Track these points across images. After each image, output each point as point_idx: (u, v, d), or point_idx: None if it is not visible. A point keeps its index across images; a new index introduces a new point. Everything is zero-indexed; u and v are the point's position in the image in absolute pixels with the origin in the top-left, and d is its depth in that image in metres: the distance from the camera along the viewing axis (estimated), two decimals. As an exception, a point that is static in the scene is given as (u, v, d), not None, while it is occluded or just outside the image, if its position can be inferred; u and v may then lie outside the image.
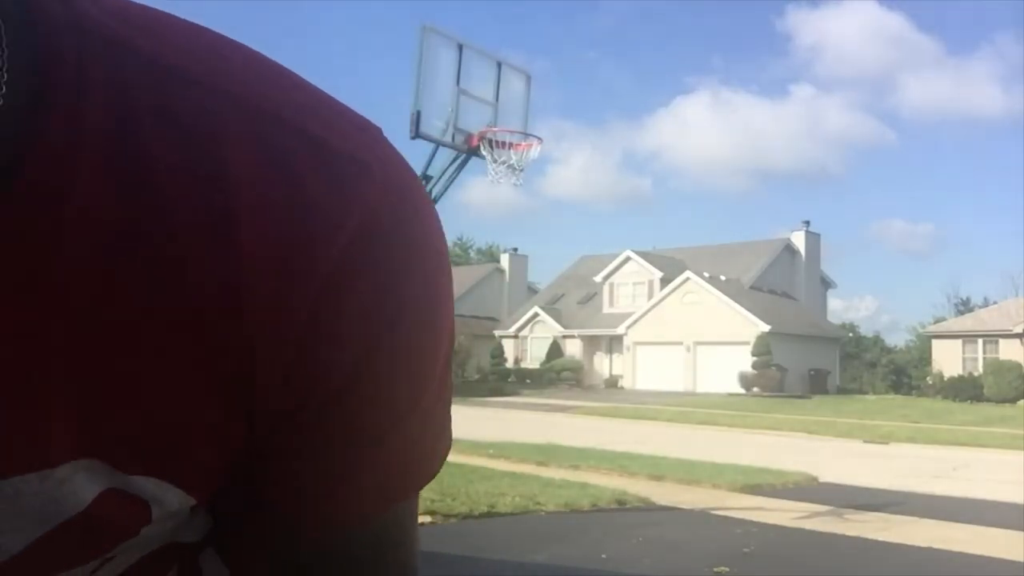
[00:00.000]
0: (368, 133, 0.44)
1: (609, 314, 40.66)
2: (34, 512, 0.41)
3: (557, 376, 38.99)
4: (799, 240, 42.91)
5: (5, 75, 0.36)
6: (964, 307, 47.93)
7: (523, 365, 42.12)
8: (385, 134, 0.46)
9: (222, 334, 0.40)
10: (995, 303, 40.37)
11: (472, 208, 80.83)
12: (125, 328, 0.39)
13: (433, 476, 0.51)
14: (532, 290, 51.30)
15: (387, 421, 0.45)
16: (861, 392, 40.28)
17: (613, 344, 40.26)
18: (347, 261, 0.40)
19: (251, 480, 0.46)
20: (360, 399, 0.43)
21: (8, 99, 0.35)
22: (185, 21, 0.43)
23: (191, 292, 0.39)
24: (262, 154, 0.39)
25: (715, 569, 5.68)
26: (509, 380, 39.57)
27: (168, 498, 0.43)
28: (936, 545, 6.72)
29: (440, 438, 0.50)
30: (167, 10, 0.44)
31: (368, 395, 0.44)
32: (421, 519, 5.16)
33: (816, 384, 36.10)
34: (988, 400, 30.91)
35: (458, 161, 7.05)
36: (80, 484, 0.41)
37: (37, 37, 0.37)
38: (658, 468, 10.79)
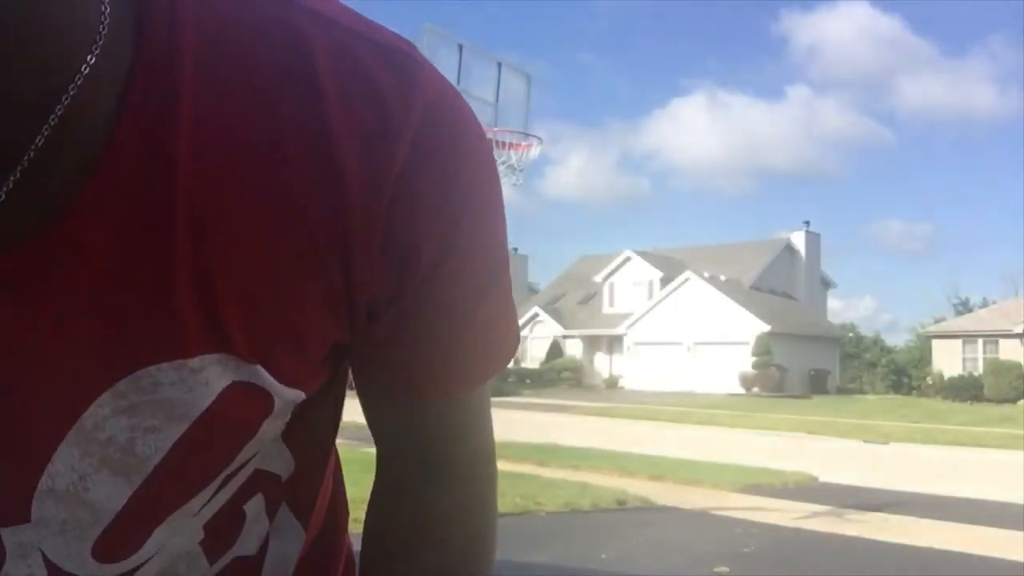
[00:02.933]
0: (409, 43, 0.49)
1: (609, 314, 40.66)
2: (171, 405, 0.45)
3: (557, 376, 38.99)
4: (799, 240, 42.89)
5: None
6: (964, 307, 47.91)
7: (523, 365, 42.11)
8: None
9: (323, 215, 0.44)
10: (995, 303, 40.35)
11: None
12: (239, 231, 0.43)
13: (513, 353, 0.57)
14: (532, 290, 51.30)
15: (473, 294, 0.51)
16: (861, 392, 40.28)
17: (613, 344, 40.25)
18: (420, 139, 0.45)
19: (361, 362, 0.53)
20: (450, 272, 0.48)
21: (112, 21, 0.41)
22: None
23: (295, 185, 0.43)
24: (340, 57, 0.45)
25: (715, 569, 5.68)
26: (509, 380, 39.56)
27: (286, 391, 0.48)
28: (936, 545, 6.72)
29: (514, 317, 0.56)
30: None
31: (456, 268, 0.49)
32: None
33: (816, 384, 36.09)
34: (988, 400, 30.89)
35: (458, 161, 7.06)
36: (212, 375, 0.45)
37: None
38: (658, 468, 10.78)
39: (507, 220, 0.53)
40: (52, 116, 0.39)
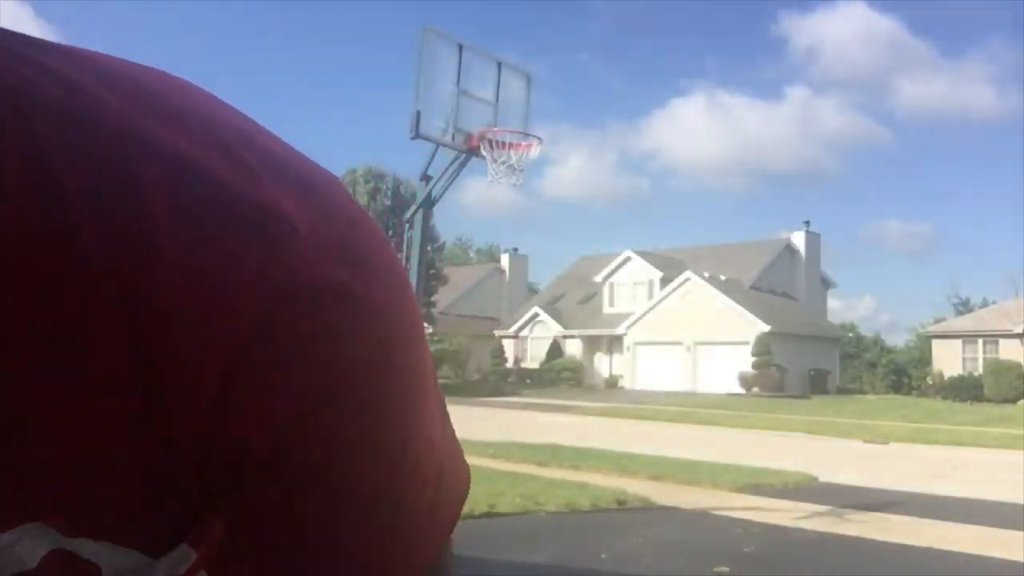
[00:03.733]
0: (314, 189, 0.39)
1: (609, 314, 40.66)
2: None
3: (557, 376, 38.99)
4: (799, 240, 42.89)
5: None
6: (964, 307, 47.91)
7: (523, 365, 42.12)
8: (343, 186, 0.41)
9: (137, 398, 0.36)
10: (995, 303, 40.35)
11: (472, 208, 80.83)
12: (40, 395, 0.36)
13: (463, 494, 0.46)
14: (532, 290, 51.30)
15: (356, 510, 0.40)
16: (861, 392, 40.26)
17: (613, 344, 40.25)
18: (263, 324, 0.36)
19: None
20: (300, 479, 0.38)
21: None
22: (107, 57, 0.40)
23: (104, 355, 0.36)
24: (179, 209, 0.36)
25: (715, 569, 5.68)
26: (509, 380, 39.57)
27: (119, 559, 0.41)
28: (936, 545, 6.72)
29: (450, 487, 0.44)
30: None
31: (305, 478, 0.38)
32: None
33: (816, 384, 36.09)
34: (988, 400, 30.89)
35: (458, 161, 7.04)
36: (26, 548, 0.39)
37: None
38: (658, 468, 10.78)
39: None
40: None
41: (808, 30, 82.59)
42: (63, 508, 0.39)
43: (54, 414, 0.37)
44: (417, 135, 6.72)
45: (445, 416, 0.45)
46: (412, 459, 0.41)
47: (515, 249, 53.14)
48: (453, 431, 0.46)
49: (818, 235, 43.92)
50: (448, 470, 0.44)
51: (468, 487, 0.47)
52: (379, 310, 0.39)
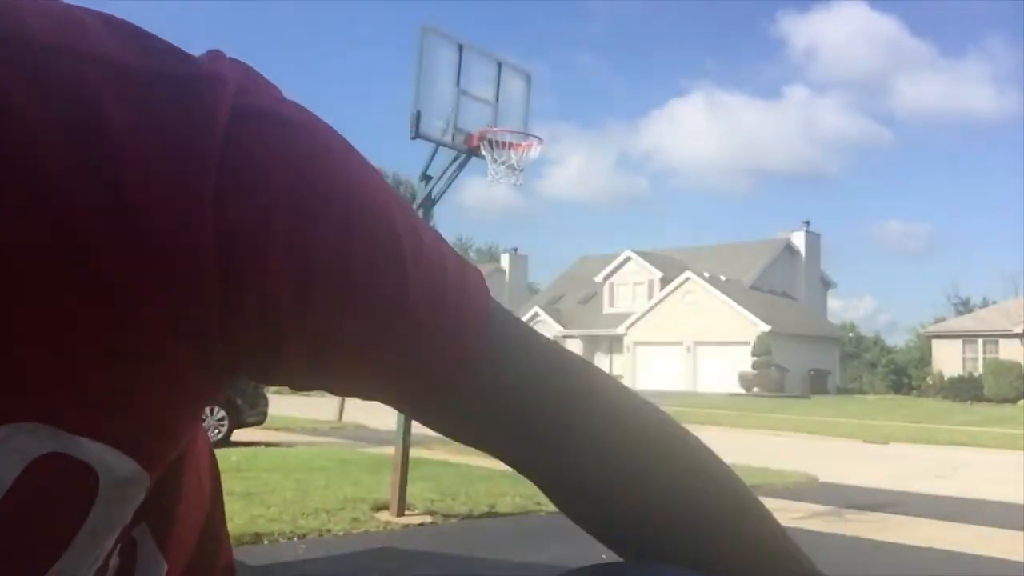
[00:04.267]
0: (220, 61, 0.44)
1: (609, 314, 40.66)
2: None
3: (557, 376, 38.99)
4: (799, 240, 42.91)
5: None
6: (964, 307, 47.91)
7: (523, 365, 42.15)
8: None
9: (116, 259, 0.38)
10: (995, 303, 40.36)
11: (472, 208, 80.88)
12: (41, 295, 0.38)
13: (483, 300, 0.49)
14: (532, 290, 51.32)
15: (385, 285, 0.44)
16: (861, 392, 40.28)
17: (613, 344, 40.25)
18: (229, 154, 0.40)
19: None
20: (340, 271, 0.42)
21: None
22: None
23: (82, 236, 0.38)
24: (132, 105, 0.39)
25: (715, 569, 5.68)
26: (509, 380, 39.57)
27: (118, 466, 0.42)
28: (936, 545, 6.72)
29: (457, 268, 0.48)
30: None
31: (343, 265, 0.42)
32: (421, 519, 5.16)
33: (816, 384, 36.09)
34: (988, 400, 30.90)
35: (458, 161, 7.03)
36: (21, 444, 0.40)
37: None
38: (658, 468, 10.77)
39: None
40: None
41: (807, 30, 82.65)
42: (67, 404, 0.40)
43: (72, 307, 0.38)
44: (417, 135, 6.70)
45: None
46: (401, 219, 0.46)
47: (515, 249, 53.17)
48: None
49: (818, 235, 43.94)
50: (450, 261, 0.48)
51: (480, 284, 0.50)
52: (307, 126, 0.44)
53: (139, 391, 0.41)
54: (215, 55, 0.44)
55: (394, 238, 0.44)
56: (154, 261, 0.39)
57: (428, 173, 7.09)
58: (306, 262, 0.41)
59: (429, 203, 7.09)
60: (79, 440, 0.41)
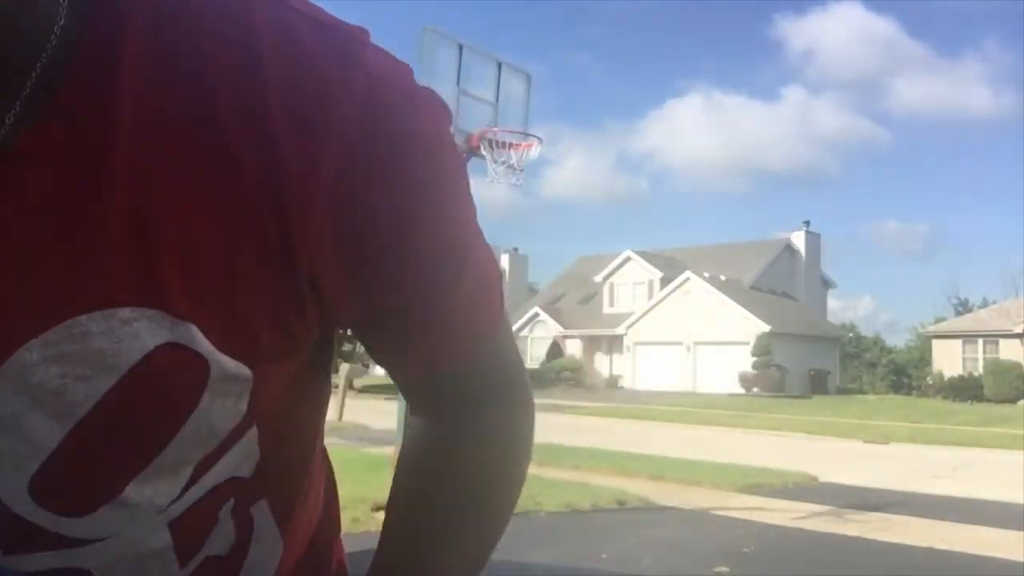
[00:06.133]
0: (360, 28, 0.51)
1: (609, 314, 40.64)
2: (101, 355, 0.45)
3: (557, 376, 38.96)
4: (799, 240, 42.88)
5: None
6: (964, 307, 47.89)
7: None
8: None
9: (258, 176, 0.45)
10: (995, 303, 40.33)
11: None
12: (178, 182, 0.44)
13: (498, 317, 0.60)
14: (532, 290, 51.27)
15: (443, 274, 0.53)
16: (861, 392, 40.25)
17: (613, 344, 40.24)
18: (362, 122, 0.46)
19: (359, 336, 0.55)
20: (413, 251, 0.50)
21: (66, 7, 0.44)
22: None
23: (231, 143, 0.44)
24: (282, 34, 0.46)
25: (715, 569, 5.68)
26: (509, 380, 39.52)
27: (222, 358, 0.48)
28: (936, 545, 6.72)
29: (496, 287, 0.59)
30: None
31: (417, 247, 0.50)
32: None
33: (816, 384, 36.07)
34: (988, 400, 30.88)
35: (458, 161, 7.04)
36: (143, 328, 0.45)
37: None
38: (658, 468, 10.78)
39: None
40: (31, 75, 0.43)
41: (806, 31, 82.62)
42: (186, 295, 0.45)
43: (201, 204, 0.45)
44: (417, 135, 6.71)
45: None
46: (472, 230, 0.56)
47: (515, 249, 53.12)
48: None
49: (818, 235, 43.91)
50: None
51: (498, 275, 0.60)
52: (437, 109, 0.52)
53: (243, 290, 0.47)
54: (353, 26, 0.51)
55: (468, 234, 0.55)
56: (278, 193, 0.45)
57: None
58: (399, 236, 0.49)
59: (429, 203, 7.09)
60: (191, 328, 0.46)
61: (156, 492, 0.51)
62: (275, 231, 0.46)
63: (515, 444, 0.68)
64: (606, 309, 41.17)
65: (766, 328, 34.32)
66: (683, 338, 36.72)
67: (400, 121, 0.48)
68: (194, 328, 0.46)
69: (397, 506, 0.62)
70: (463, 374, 0.59)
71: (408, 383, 0.61)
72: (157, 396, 0.47)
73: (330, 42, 0.47)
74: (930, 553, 6.50)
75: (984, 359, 33.48)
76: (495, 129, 7.15)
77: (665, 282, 38.71)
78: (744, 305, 35.57)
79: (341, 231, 0.47)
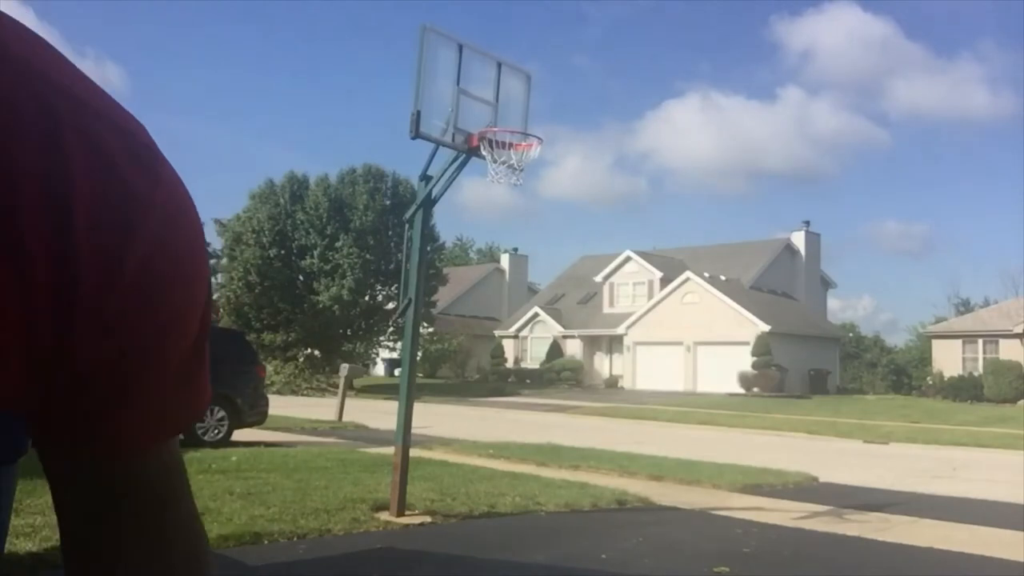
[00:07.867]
0: (147, 133, 0.52)
1: (609, 314, 40.63)
2: None
3: (557, 376, 38.96)
4: (799, 240, 42.87)
5: None
6: (964, 307, 47.88)
7: (523, 365, 42.09)
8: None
9: (45, 290, 0.45)
10: (995, 303, 40.33)
11: (472, 208, 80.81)
12: None
13: (190, 422, 0.59)
14: (532, 290, 51.27)
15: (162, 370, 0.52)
16: (861, 392, 40.25)
17: (613, 344, 40.23)
18: (158, 236, 0.48)
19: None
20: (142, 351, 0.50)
21: None
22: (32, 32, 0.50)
23: (25, 259, 0.44)
24: (92, 148, 0.47)
25: (715, 569, 5.67)
26: (509, 380, 39.54)
27: None
28: (936, 545, 6.72)
29: (206, 382, 0.57)
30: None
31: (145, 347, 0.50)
32: (421, 519, 5.16)
33: (816, 384, 36.07)
34: (988, 400, 30.89)
35: (458, 161, 7.02)
36: None
37: None
38: (658, 468, 10.77)
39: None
40: None
41: (805, 32, 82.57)
42: None
43: None
44: (417, 135, 6.69)
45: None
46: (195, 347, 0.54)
47: (515, 249, 53.14)
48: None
49: (818, 235, 43.90)
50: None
51: (205, 407, 0.58)
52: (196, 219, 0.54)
53: None
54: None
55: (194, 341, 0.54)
56: (23, 259, 0.45)
57: (428, 173, 7.09)
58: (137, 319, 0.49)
59: (429, 203, 7.08)
60: None
61: None
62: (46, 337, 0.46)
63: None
64: (606, 309, 41.16)
65: (766, 328, 34.31)
66: (683, 338, 36.71)
67: (180, 241, 0.50)
68: None
69: None
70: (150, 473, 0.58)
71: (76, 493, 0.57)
72: None
73: (136, 159, 0.49)
74: (930, 553, 6.50)
75: (984, 359, 33.48)
76: (495, 129, 7.14)
77: (665, 282, 38.70)
78: (744, 305, 35.56)
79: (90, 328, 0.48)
